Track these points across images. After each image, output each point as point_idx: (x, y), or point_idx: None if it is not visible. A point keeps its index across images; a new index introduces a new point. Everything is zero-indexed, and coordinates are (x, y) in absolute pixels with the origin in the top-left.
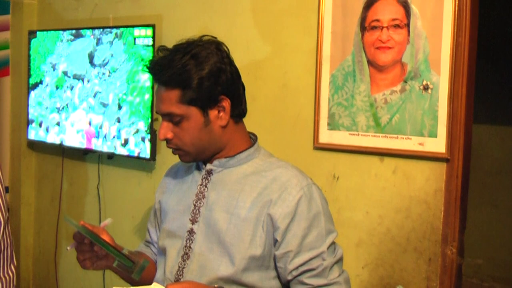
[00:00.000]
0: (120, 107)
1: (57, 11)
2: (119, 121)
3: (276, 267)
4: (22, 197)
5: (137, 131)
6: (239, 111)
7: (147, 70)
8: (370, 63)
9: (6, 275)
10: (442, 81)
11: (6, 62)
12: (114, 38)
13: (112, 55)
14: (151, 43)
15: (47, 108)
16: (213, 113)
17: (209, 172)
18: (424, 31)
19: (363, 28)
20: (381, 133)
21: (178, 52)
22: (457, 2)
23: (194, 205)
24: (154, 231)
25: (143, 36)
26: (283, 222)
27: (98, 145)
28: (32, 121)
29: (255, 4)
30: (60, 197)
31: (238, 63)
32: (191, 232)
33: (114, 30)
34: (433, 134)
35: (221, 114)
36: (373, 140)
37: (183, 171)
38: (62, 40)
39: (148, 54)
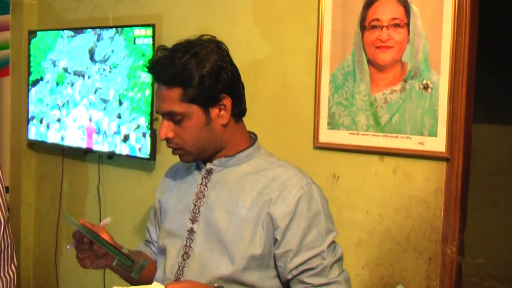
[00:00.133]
0: (121, 103)
1: (57, 11)
2: (119, 117)
3: (276, 266)
4: (22, 197)
5: (138, 126)
6: (239, 110)
7: (147, 69)
8: (370, 62)
9: (6, 274)
10: (442, 80)
11: (6, 62)
12: (114, 34)
13: (112, 51)
14: (151, 42)
15: (47, 104)
16: (214, 111)
17: (209, 172)
18: (424, 31)
19: (363, 27)
20: (381, 133)
21: (178, 51)
22: (457, 2)
23: (194, 205)
24: (154, 231)
25: (143, 35)
26: (283, 221)
27: (99, 140)
28: (33, 118)
29: (255, 4)
30: (60, 197)
31: (238, 62)
32: (191, 231)
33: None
34: (433, 134)
35: (222, 112)
36: (373, 140)
37: (183, 171)
38: (62, 37)
39: (148, 53)
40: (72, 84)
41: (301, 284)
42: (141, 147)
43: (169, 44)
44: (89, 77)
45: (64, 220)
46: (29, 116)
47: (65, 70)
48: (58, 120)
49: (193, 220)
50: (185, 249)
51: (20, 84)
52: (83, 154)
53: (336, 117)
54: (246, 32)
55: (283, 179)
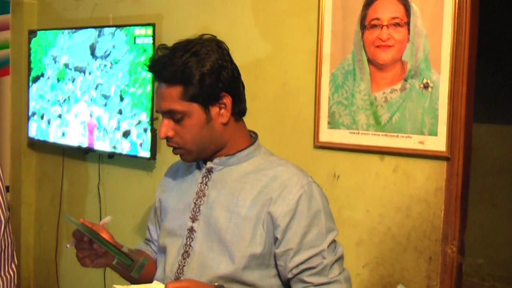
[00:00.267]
0: (122, 99)
1: (57, 11)
2: (120, 113)
3: (276, 265)
4: (22, 196)
5: (139, 122)
6: (239, 109)
7: (147, 68)
8: (370, 61)
9: (7, 274)
10: (442, 79)
11: (6, 62)
12: (115, 30)
13: (114, 47)
14: (151, 42)
15: (48, 101)
16: (214, 110)
17: (210, 170)
18: (424, 30)
19: (363, 26)
20: (381, 132)
21: (178, 50)
22: (457, 1)
23: (195, 204)
24: (154, 230)
25: (143, 35)
26: (283, 220)
27: (100, 136)
28: (34, 114)
29: (255, 4)
30: (60, 197)
31: (238, 62)
32: (191, 230)
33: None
34: (433, 133)
35: (222, 111)
36: (374, 139)
37: (183, 170)
38: (63, 33)
39: (149, 53)
40: (73, 80)
41: (301, 283)
42: (142, 142)
43: (170, 44)
44: (90, 73)
45: (64, 220)
46: (30, 112)
47: (66, 66)
48: (59, 116)
49: (194, 219)
50: (185, 248)
51: (20, 83)
52: (84, 154)
53: (336, 116)
54: (246, 32)
55: (284, 178)
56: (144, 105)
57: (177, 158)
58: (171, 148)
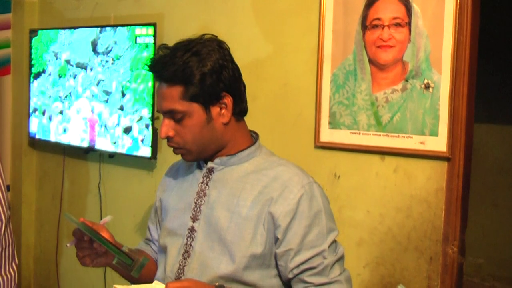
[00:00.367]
0: (123, 95)
1: (58, 10)
2: (122, 109)
3: (277, 265)
4: (23, 195)
5: (141, 118)
6: (240, 109)
7: (148, 68)
8: (371, 61)
9: (7, 273)
10: (443, 80)
11: (7, 61)
12: (117, 25)
13: (115, 43)
14: (152, 41)
15: (50, 97)
16: (215, 110)
17: (210, 170)
18: (425, 30)
19: (364, 26)
20: (382, 132)
21: (179, 50)
22: (458, 1)
23: (195, 203)
24: (154, 229)
25: (144, 35)
26: (284, 220)
27: (101, 132)
28: (36, 110)
29: (256, 3)
30: (61, 196)
31: (239, 62)
32: (192, 230)
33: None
34: (434, 133)
35: (223, 111)
36: (374, 139)
37: (184, 170)
38: (64, 30)
39: (150, 52)
40: (75, 76)
41: (302, 283)
42: (143, 138)
43: (171, 43)
44: (91, 69)
45: (65, 219)
46: (31, 109)
47: (68, 62)
48: (61, 113)
49: (194, 219)
50: (186, 247)
51: (21, 83)
52: (84, 153)
53: (337, 116)
54: (247, 32)
55: (284, 178)
56: (145, 101)
57: (178, 157)
58: (172, 148)
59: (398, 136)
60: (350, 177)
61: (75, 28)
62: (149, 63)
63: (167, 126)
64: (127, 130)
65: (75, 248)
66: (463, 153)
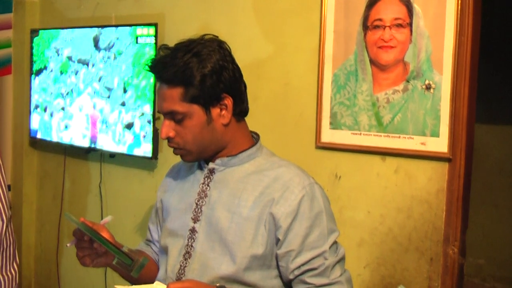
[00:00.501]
0: (125, 91)
1: (59, 10)
2: (124, 105)
3: (277, 266)
4: (24, 195)
5: (142, 114)
6: (241, 110)
7: (149, 69)
8: (373, 62)
9: (8, 273)
10: (444, 80)
11: (8, 61)
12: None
13: (117, 38)
14: (153, 42)
15: (51, 93)
16: (215, 111)
17: (211, 171)
18: (426, 31)
19: (365, 27)
20: (383, 133)
21: (180, 51)
22: (459, 2)
23: (196, 204)
24: (155, 230)
25: (145, 35)
26: (285, 221)
27: (103, 129)
28: (37, 107)
29: (257, 3)
30: (62, 196)
31: (240, 62)
32: (193, 231)
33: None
34: (435, 134)
35: (223, 112)
36: (375, 140)
37: (185, 170)
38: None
39: (151, 53)
40: (76, 73)
41: (303, 284)
42: (145, 134)
43: (172, 43)
44: (93, 65)
45: (65, 219)
46: (33, 105)
47: (69, 58)
48: (62, 109)
49: (195, 220)
50: (187, 248)
51: (22, 82)
52: (85, 153)
53: (338, 117)
54: (248, 32)
55: (285, 179)
56: (147, 97)
57: (179, 158)
58: (173, 148)
59: (399, 137)
60: (351, 178)
61: (76, 28)
62: (149, 64)
63: (167, 127)
64: (129, 126)
65: (75, 248)
66: (464, 154)
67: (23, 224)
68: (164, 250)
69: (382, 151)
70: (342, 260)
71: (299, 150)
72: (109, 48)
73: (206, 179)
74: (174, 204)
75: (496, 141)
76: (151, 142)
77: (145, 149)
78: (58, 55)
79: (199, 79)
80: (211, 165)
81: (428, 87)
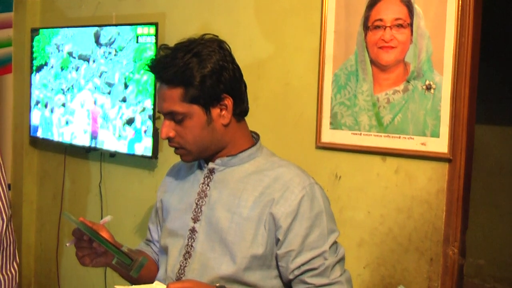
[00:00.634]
0: (126, 86)
1: (60, 9)
2: (125, 100)
3: (277, 266)
4: (24, 194)
5: (144, 109)
6: (241, 110)
7: (149, 69)
8: (373, 62)
9: (8, 272)
10: (445, 81)
11: (8, 60)
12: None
13: (118, 33)
14: (154, 41)
15: (52, 89)
16: (215, 111)
17: (211, 171)
18: (427, 31)
19: (366, 27)
20: (384, 133)
21: (180, 51)
22: (460, 2)
23: (196, 204)
24: (155, 230)
25: (146, 34)
26: (285, 221)
27: (104, 125)
28: (38, 103)
29: (258, 3)
30: (62, 195)
31: (240, 62)
32: (193, 231)
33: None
34: (435, 134)
35: (223, 112)
36: (376, 140)
37: (185, 170)
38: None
39: (151, 52)
40: (77, 69)
41: (302, 284)
42: (146, 129)
43: (172, 43)
44: (94, 61)
45: (66, 219)
46: (34, 102)
47: (70, 54)
48: (63, 105)
49: (195, 220)
50: (187, 248)
51: (22, 82)
52: (85, 152)
53: (338, 117)
54: (249, 31)
55: (286, 179)
56: (149, 92)
57: (179, 157)
58: (173, 148)
59: (399, 137)
60: (351, 178)
61: (76, 27)
62: (149, 64)
63: (167, 127)
64: (130, 121)
65: (75, 248)
66: (464, 154)
67: (23, 224)
68: (164, 250)
69: (382, 151)
70: (342, 260)
71: (299, 150)
72: (110, 44)
73: (206, 179)
74: (174, 204)
75: (496, 141)
76: (151, 137)
77: (146, 144)
78: (59, 51)
79: (199, 80)
80: (211, 165)
81: (428, 88)
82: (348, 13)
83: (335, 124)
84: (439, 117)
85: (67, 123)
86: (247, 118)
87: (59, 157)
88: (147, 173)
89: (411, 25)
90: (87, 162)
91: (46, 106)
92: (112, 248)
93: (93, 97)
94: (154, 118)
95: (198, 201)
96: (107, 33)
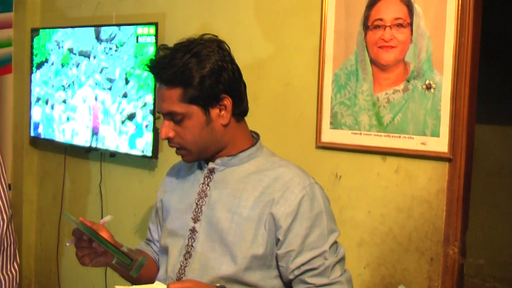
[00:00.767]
0: (127, 82)
1: (60, 9)
2: (126, 96)
3: (278, 266)
4: (24, 194)
5: (145, 104)
6: (240, 110)
7: (148, 69)
8: (373, 62)
9: (9, 272)
10: (445, 80)
11: (8, 60)
12: None
13: (119, 29)
14: (154, 41)
15: (53, 86)
16: (214, 111)
17: (211, 171)
18: (427, 31)
19: (366, 27)
20: (384, 133)
21: (179, 51)
22: (460, 2)
23: (196, 204)
24: (155, 230)
25: (146, 34)
26: (285, 221)
27: (105, 121)
28: (39, 99)
29: (258, 3)
30: (62, 195)
31: (240, 62)
32: (193, 231)
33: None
34: (435, 134)
35: (223, 112)
36: (376, 140)
37: (185, 170)
38: (66, 28)
39: (151, 52)
40: (78, 65)
41: (303, 284)
42: (147, 124)
43: (172, 43)
44: (94, 57)
45: (66, 219)
46: (35, 98)
47: (70, 51)
48: (64, 102)
49: (195, 220)
50: (187, 248)
51: (22, 82)
52: (86, 152)
53: (338, 116)
54: (249, 31)
55: (286, 179)
56: (150, 87)
57: (179, 157)
58: (174, 148)
59: (399, 137)
60: (351, 178)
61: (76, 27)
62: (148, 64)
63: (167, 127)
64: (131, 116)
65: (75, 248)
66: (464, 154)
67: (23, 224)
68: (164, 250)
69: (382, 151)
70: (342, 260)
71: (300, 150)
72: (110, 39)
73: (206, 179)
74: (174, 204)
75: (496, 141)
76: (152, 132)
77: (147, 139)
78: (59, 47)
79: (198, 80)
80: (211, 165)
81: (428, 87)
82: (348, 12)
83: (335, 124)
84: (439, 117)
85: (68, 119)
86: (247, 118)
87: (59, 157)
88: (147, 173)
89: (411, 24)
90: (87, 162)
91: (47, 103)
92: (111, 248)
93: (94, 93)
94: (154, 113)
95: (198, 201)
96: (107, 28)
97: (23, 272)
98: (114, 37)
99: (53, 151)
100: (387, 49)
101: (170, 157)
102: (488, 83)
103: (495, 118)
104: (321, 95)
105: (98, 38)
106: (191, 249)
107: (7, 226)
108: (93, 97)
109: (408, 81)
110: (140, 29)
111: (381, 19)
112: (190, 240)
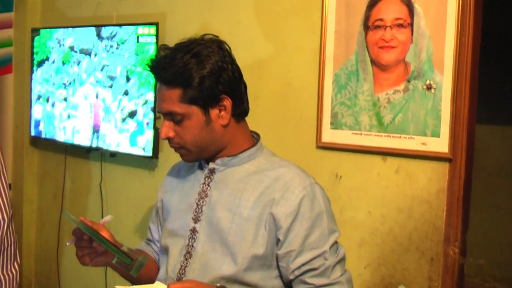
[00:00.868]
0: (128, 79)
1: (60, 9)
2: (127, 94)
3: (278, 267)
4: (24, 194)
5: (146, 102)
6: (240, 110)
7: (149, 69)
8: (373, 62)
9: (9, 272)
10: (445, 81)
11: (9, 60)
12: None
13: (120, 26)
14: (154, 41)
15: (54, 84)
16: (214, 112)
17: (212, 171)
18: (427, 31)
19: (366, 27)
20: (384, 133)
21: (179, 51)
22: (460, 2)
23: (197, 204)
24: (155, 230)
25: (146, 34)
26: (285, 221)
27: (106, 118)
28: (39, 97)
29: (258, 3)
30: (62, 195)
31: (240, 62)
32: (193, 231)
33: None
34: (436, 134)
35: (222, 113)
36: (376, 140)
37: (186, 170)
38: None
39: (152, 52)
40: (79, 63)
41: (303, 284)
42: (148, 122)
43: (173, 43)
44: (95, 55)
45: (66, 218)
46: (36, 96)
47: (71, 48)
48: (65, 99)
49: (196, 220)
50: (188, 248)
51: (23, 81)
52: (86, 152)
53: (339, 117)
54: (249, 31)
55: (286, 179)
56: (151, 85)
57: (180, 157)
58: (174, 148)
59: (399, 137)
60: (352, 178)
61: (77, 27)
62: (149, 64)
63: (167, 127)
64: (132, 114)
65: (75, 247)
66: (464, 154)
67: (23, 224)
68: (165, 250)
69: (383, 151)
70: (342, 260)
71: (300, 150)
72: (111, 37)
73: (206, 179)
74: (174, 204)
75: (496, 142)
76: (153, 129)
77: (148, 137)
78: (60, 45)
79: (198, 81)
80: (211, 165)
81: (429, 87)
82: (349, 13)
83: (336, 124)
84: (440, 117)
85: (69, 117)
86: (247, 118)
87: (59, 157)
88: (147, 173)
89: (411, 25)
90: (87, 162)
91: (47, 100)
92: (112, 248)
93: (94, 90)
94: (155, 111)
95: (198, 201)
96: (108, 28)
97: (23, 272)
98: (115, 35)
99: (53, 151)
100: (388, 49)
101: (170, 157)
102: (488, 83)
103: (495, 118)
104: (321, 95)
105: (99, 36)
106: (191, 249)
107: (8, 226)
108: (94, 94)
109: (408, 81)
110: (141, 29)
111: (381, 19)
112: (190, 240)
